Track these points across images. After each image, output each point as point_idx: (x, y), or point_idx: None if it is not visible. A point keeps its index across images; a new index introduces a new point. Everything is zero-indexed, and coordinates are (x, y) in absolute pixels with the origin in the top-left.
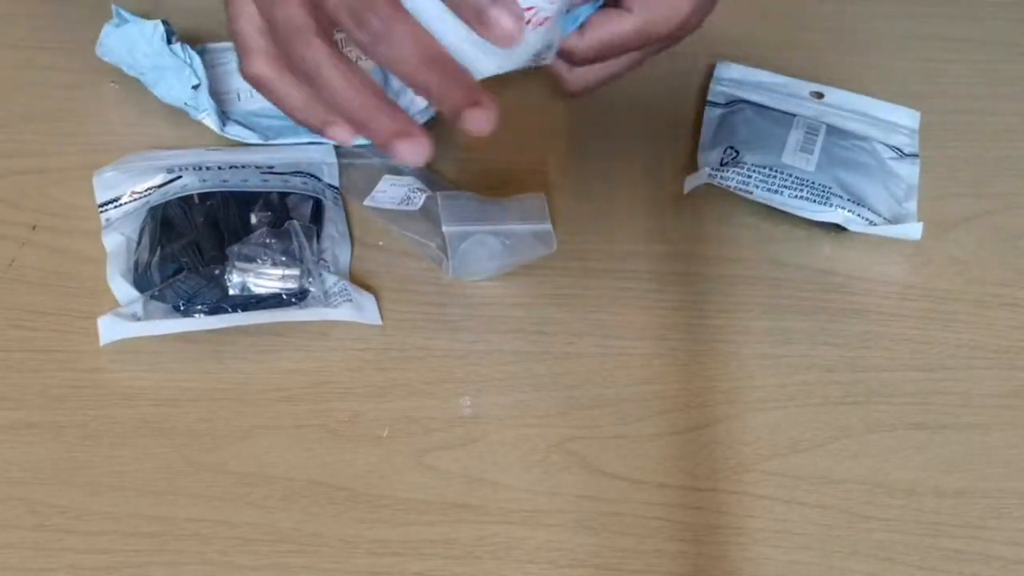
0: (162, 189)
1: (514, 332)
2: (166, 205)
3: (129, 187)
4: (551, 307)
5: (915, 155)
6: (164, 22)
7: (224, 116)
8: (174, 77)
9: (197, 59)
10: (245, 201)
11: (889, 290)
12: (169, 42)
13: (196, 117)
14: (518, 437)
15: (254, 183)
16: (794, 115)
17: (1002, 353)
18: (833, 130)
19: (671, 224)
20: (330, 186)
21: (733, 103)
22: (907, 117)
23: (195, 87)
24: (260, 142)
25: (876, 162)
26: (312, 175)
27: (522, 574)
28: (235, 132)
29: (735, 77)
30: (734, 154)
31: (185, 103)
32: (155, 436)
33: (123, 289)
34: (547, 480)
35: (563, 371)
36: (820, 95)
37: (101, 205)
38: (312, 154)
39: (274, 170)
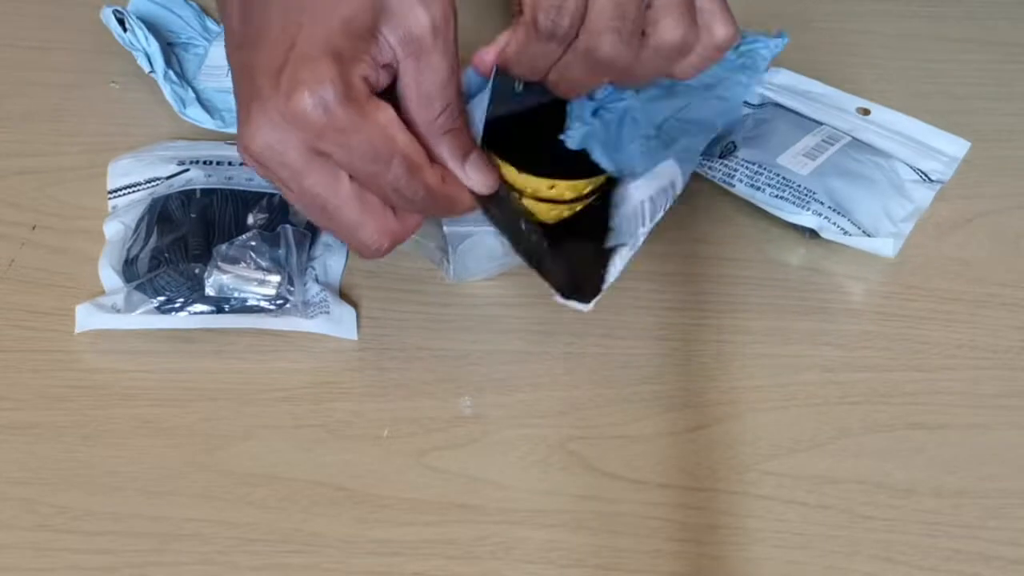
0: (168, 181)
1: (514, 332)
2: (168, 198)
3: (143, 175)
4: (551, 307)
5: (941, 182)
6: (116, 10)
7: (190, 95)
8: (142, 60)
9: (155, 45)
10: (245, 200)
11: (889, 290)
12: (124, 29)
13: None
14: (518, 437)
15: (259, 182)
16: (821, 124)
17: (1002, 353)
18: (857, 144)
19: (671, 224)
20: None
21: (764, 105)
22: (953, 145)
23: (150, 73)
24: (215, 128)
25: (887, 180)
26: None
27: (522, 574)
28: (194, 115)
29: (783, 83)
30: (732, 147)
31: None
32: (155, 436)
33: (110, 278)
34: (547, 480)
35: (563, 371)
36: (866, 111)
37: (111, 192)
38: None
39: None
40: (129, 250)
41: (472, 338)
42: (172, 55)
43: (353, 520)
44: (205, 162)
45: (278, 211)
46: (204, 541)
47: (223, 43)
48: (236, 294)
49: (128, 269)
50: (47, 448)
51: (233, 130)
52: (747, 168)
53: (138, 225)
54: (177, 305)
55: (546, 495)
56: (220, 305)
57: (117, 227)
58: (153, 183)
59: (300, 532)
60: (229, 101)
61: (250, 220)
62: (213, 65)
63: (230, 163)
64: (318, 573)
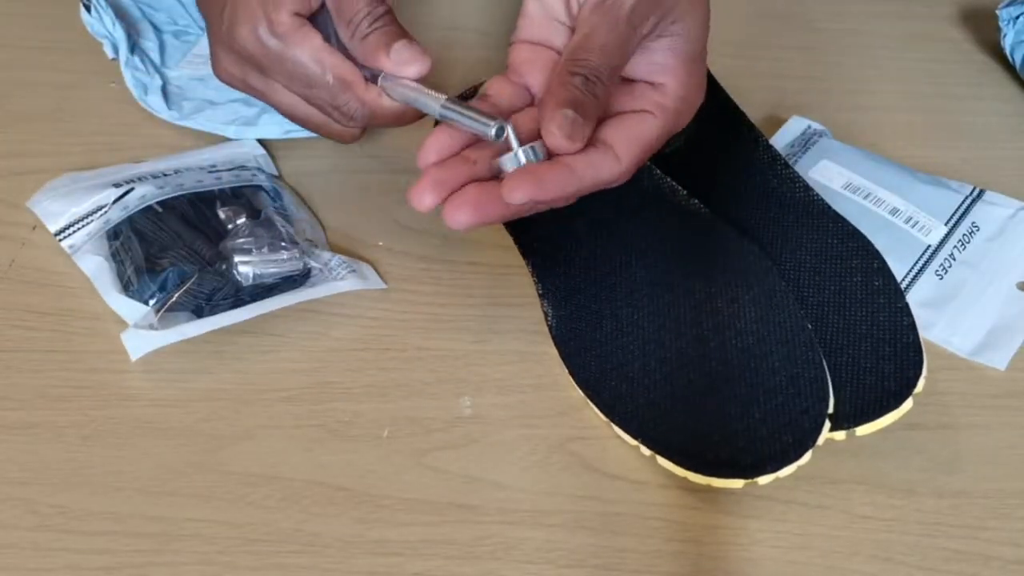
0: (119, 204)
1: (514, 332)
2: (131, 219)
3: (81, 209)
4: None
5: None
6: None
7: (155, 83)
8: (107, 46)
9: (121, 32)
10: (204, 200)
11: None
12: (89, 11)
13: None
14: (518, 437)
15: (208, 182)
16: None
17: None
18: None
19: None
20: (272, 175)
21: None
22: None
23: (113, 59)
24: (169, 119)
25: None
26: (257, 168)
27: (522, 574)
28: (153, 103)
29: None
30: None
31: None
32: (155, 436)
33: (127, 306)
34: (547, 480)
35: (563, 371)
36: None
37: (57, 234)
38: (243, 149)
39: (217, 168)
40: (129, 277)
41: (472, 338)
42: (138, 43)
43: (353, 520)
44: (154, 176)
45: (242, 201)
46: (204, 541)
47: None
48: (269, 279)
49: (138, 293)
50: (47, 448)
51: (189, 123)
52: None
53: (116, 253)
54: (223, 303)
55: (546, 495)
56: (258, 292)
57: (97, 262)
58: (100, 211)
59: (300, 532)
60: (199, 90)
61: (222, 215)
62: (199, 53)
63: (176, 171)
64: (318, 573)
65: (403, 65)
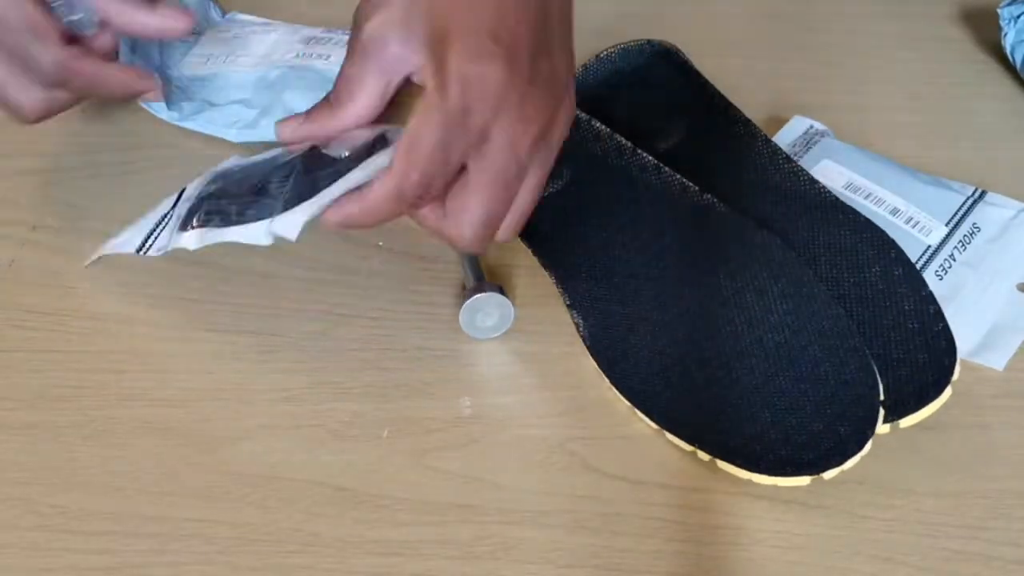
0: (181, 201)
1: (513, 332)
2: (201, 196)
3: (142, 227)
4: (550, 307)
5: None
6: None
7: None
8: None
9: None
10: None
11: None
12: None
13: None
14: (518, 437)
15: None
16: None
17: None
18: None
19: None
20: None
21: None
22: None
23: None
24: (168, 120)
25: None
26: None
27: (522, 574)
28: (153, 104)
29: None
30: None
31: None
32: (155, 436)
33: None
34: (547, 480)
35: (562, 371)
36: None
37: (139, 249)
38: None
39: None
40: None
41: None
42: (137, 43)
43: (353, 520)
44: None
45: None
46: (204, 541)
47: (218, 32)
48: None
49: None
50: (47, 448)
51: (189, 124)
52: None
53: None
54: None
55: (546, 495)
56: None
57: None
58: (166, 217)
59: (300, 532)
60: (199, 91)
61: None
62: (199, 53)
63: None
64: (317, 573)
65: (170, 19)
